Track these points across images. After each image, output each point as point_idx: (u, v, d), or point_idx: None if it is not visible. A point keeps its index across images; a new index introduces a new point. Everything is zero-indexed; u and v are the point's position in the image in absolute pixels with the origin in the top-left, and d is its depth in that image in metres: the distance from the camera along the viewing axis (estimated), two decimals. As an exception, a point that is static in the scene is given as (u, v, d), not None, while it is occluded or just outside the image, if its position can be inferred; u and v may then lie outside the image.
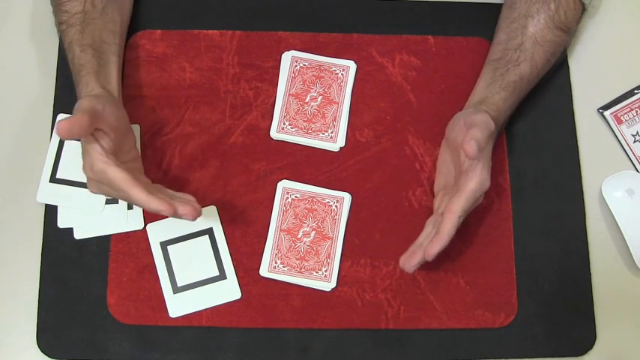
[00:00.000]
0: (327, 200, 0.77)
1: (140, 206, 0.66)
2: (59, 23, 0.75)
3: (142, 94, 0.80)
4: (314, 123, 0.79)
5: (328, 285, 0.75)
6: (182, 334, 0.73)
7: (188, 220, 0.66)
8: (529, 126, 0.80)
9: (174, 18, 0.83)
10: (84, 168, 0.67)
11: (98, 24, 0.74)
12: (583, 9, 0.77)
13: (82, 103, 0.65)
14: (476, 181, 0.68)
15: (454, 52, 0.82)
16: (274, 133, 0.79)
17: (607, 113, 0.82)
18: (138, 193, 0.64)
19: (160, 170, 0.78)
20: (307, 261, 0.75)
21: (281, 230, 0.76)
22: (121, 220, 0.76)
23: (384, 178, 0.78)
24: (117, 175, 0.65)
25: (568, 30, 0.77)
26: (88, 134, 0.65)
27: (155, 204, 0.64)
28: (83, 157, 0.67)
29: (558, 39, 0.76)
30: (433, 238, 0.67)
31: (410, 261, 0.69)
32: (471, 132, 0.66)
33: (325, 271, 0.75)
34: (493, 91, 0.74)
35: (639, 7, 0.86)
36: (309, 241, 0.76)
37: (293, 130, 0.79)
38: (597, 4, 0.85)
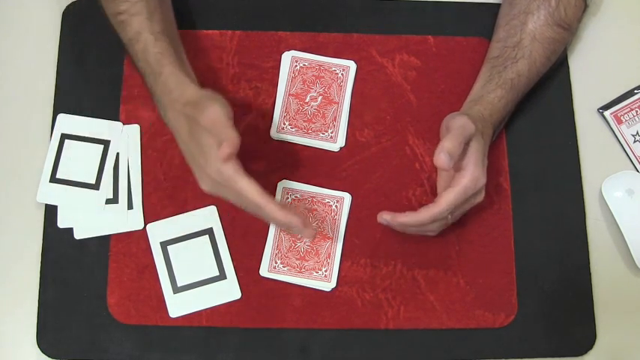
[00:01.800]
0: (327, 200, 0.77)
1: (271, 220, 0.64)
2: (117, 14, 0.70)
3: (142, 94, 0.79)
4: (314, 123, 0.79)
5: (328, 285, 0.75)
6: (182, 334, 0.73)
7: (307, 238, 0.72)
8: (529, 126, 0.80)
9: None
10: (204, 169, 0.64)
11: (164, 10, 0.72)
12: (585, 6, 0.77)
13: (218, 115, 0.62)
14: (468, 178, 0.68)
15: (454, 52, 0.82)
16: (274, 133, 0.79)
17: (607, 113, 0.82)
18: (274, 209, 0.63)
19: (160, 170, 0.78)
20: (307, 261, 0.75)
21: (281, 230, 0.76)
22: (121, 220, 0.76)
23: (384, 178, 0.78)
24: (248, 187, 0.62)
25: (569, 27, 0.76)
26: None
27: (294, 219, 0.64)
28: (203, 158, 0.64)
29: (558, 36, 0.76)
30: (410, 212, 0.69)
31: (381, 214, 0.71)
32: (441, 144, 0.66)
33: (325, 271, 0.75)
34: (489, 89, 0.74)
35: (639, 7, 0.86)
36: (309, 241, 0.76)
37: (293, 130, 0.79)
38: (599, 1, 0.84)
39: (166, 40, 0.68)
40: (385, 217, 0.71)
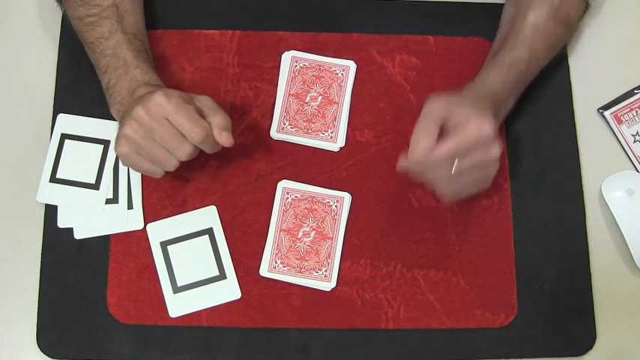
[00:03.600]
0: (327, 200, 0.77)
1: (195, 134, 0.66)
2: (86, 16, 0.74)
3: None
4: (314, 123, 0.79)
5: (328, 285, 0.75)
6: (182, 334, 0.73)
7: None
8: (529, 126, 0.80)
9: (173, 18, 0.83)
10: (134, 114, 0.67)
11: (135, 13, 0.75)
12: (586, 5, 0.78)
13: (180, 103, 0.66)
14: (469, 126, 0.65)
15: (454, 52, 0.82)
16: (274, 133, 0.79)
17: (607, 113, 0.82)
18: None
19: (160, 170, 0.78)
20: (307, 261, 0.75)
21: (281, 230, 0.76)
22: (121, 220, 0.76)
23: (384, 178, 0.78)
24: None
25: (570, 25, 0.77)
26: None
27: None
28: (140, 104, 0.67)
29: (558, 31, 0.76)
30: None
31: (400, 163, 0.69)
32: (412, 137, 0.65)
33: (325, 271, 0.75)
34: (483, 75, 0.74)
35: (639, 7, 0.86)
36: (309, 241, 0.76)
37: (293, 130, 0.79)
38: (601, 0, 0.84)
39: (140, 44, 0.73)
40: (402, 164, 0.68)
